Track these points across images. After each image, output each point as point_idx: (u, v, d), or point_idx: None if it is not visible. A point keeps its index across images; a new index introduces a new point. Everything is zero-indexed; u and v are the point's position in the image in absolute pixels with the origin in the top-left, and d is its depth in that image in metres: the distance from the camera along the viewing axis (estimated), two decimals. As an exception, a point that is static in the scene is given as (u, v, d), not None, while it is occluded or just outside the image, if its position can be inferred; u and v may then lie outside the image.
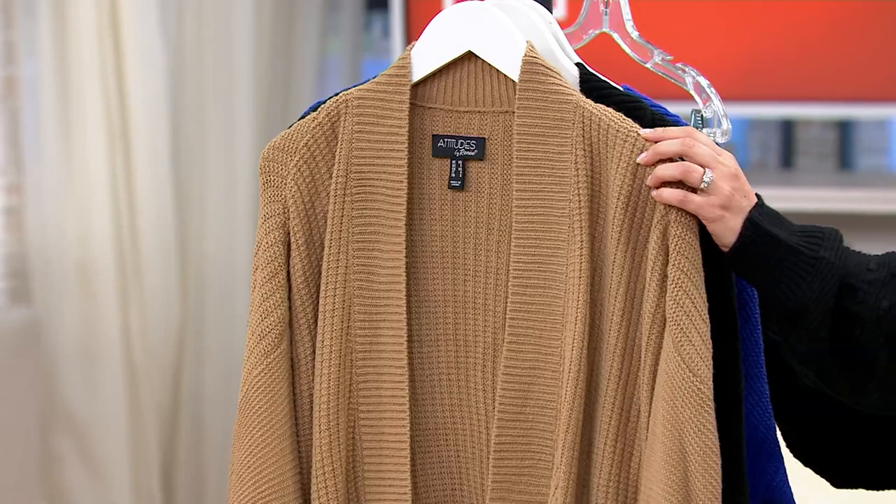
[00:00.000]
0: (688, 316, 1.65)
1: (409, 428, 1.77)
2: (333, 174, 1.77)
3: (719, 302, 1.70)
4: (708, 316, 1.66)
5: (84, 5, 3.97)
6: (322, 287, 1.77)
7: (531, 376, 1.73)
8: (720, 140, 1.81)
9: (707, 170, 1.67)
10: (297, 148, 1.78)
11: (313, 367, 1.77)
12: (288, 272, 1.77)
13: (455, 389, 1.78)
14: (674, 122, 1.76)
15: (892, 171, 5.12)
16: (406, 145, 1.76)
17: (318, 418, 1.76)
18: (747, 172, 1.72)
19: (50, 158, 4.02)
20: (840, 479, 1.87)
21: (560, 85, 1.72)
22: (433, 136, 1.77)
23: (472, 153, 1.76)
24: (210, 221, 4.32)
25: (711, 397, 1.64)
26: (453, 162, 1.77)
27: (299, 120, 1.80)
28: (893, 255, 1.70)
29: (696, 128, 1.80)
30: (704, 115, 1.83)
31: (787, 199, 4.26)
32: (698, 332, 1.64)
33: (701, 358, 1.64)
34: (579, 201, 1.71)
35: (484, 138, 1.76)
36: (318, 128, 1.78)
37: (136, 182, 4.09)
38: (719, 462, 1.64)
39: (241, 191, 4.33)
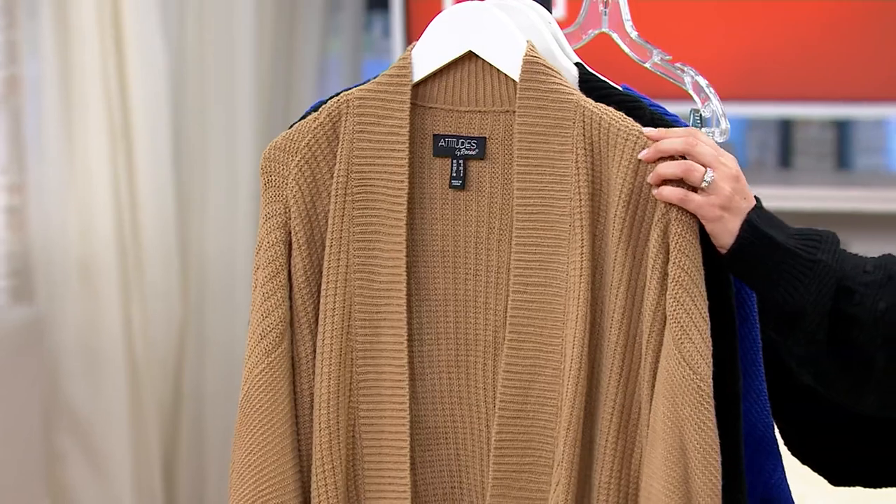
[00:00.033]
0: (688, 314, 1.65)
1: (408, 426, 1.76)
2: (334, 174, 1.77)
3: (717, 300, 1.70)
4: (708, 314, 1.66)
5: (86, 6, 3.97)
6: (323, 286, 1.77)
7: (532, 374, 1.73)
8: (719, 139, 1.81)
9: (708, 169, 1.67)
10: (298, 148, 1.78)
11: (314, 365, 1.77)
12: (289, 272, 1.77)
13: (455, 388, 1.78)
14: (672, 121, 1.76)
15: (890, 170, 5.13)
16: (407, 145, 1.76)
17: (319, 417, 1.76)
18: (746, 171, 1.72)
19: (52, 157, 4.02)
20: (837, 477, 1.87)
21: (561, 84, 1.72)
22: (434, 135, 1.77)
23: (473, 153, 1.76)
24: (211, 220, 4.32)
25: (711, 395, 1.64)
26: (454, 161, 1.77)
27: (300, 120, 1.80)
28: (890, 257, 1.70)
29: (695, 127, 1.80)
30: (703, 114, 1.83)
31: (786, 198, 4.26)
32: (698, 330, 1.65)
33: (701, 356, 1.64)
34: (580, 200, 1.71)
35: (485, 138, 1.76)
36: (319, 128, 1.78)
37: (138, 181, 4.09)
38: (719, 459, 1.64)
39: (242, 190, 4.33)
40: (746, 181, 1.70)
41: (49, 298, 4.05)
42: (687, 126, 1.77)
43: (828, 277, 1.65)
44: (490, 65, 1.75)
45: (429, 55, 1.77)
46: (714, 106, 1.83)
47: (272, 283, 1.76)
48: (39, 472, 3.93)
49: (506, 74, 1.74)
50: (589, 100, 1.72)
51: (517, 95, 1.73)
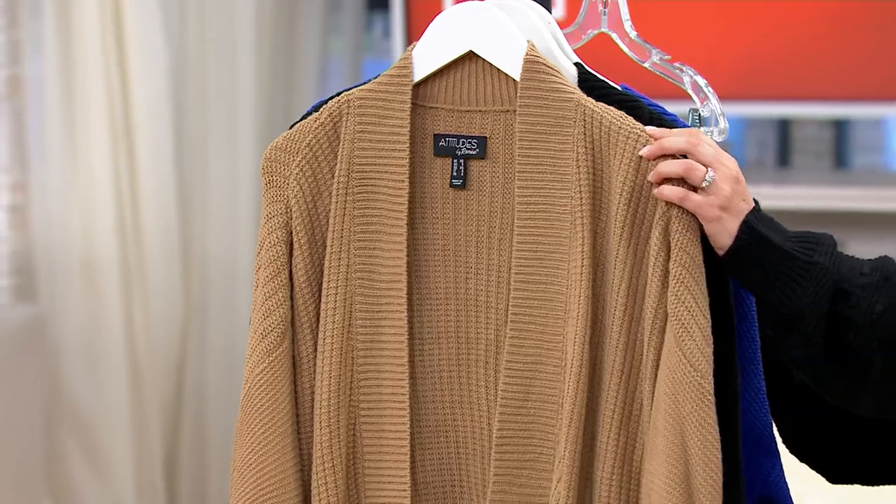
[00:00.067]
0: (689, 311, 1.65)
1: (409, 425, 1.76)
2: (335, 174, 1.77)
3: (716, 299, 1.69)
4: (709, 311, 1.66)
5: (88, 5, 3.97)
6: (324, 286, 1.77)
7: (533, 371, 1.73)
8: (717, 139, 1.81)
9: (709, 169, 1.67)
10: (299, 148, 1.78)
11: (315, 364, 1.77)
12: (290, 271, 1.77)
13: (456, 386, 1.78)
14: (671, 120, 1.76)
15: (888, 169, 5.13)
16: (408, 145, 1.76)
17: (319, 415, 1.76)
18: (744, 171, 1.72)
19: (54, 157, 4.02)
20: (836, 475, 1.87)
21: (561, 83, 1.72)
22: (435, 135, 1.77)
23: (474, 152, 1.76)
24: (213, 219, 4.32)
25: (712, 392, 1.64)
26: (455, 161, 1.76)
27: (301, 120, 1.79)
28: (886, 259, 1.70)
29: (694, 126, 1.80)
30: (702, 113, 1.83)
31: (784, 197, 4.26)
32: (699, 328, 1.65)
33: (701, 353, 1.64)
34: (581, 198, 1.71)
35: (485, 137, 1.76)
36: (320, 128, 1.78)
37: (140, 180, 4.09)
38: (720, 456, 1.64)
39: (244, 188, 4.33)
40: (745, 180, 1.70)
41: (51, 297, 4.05)
42: (686, 125, 1.77)
43: (825, 280, 1.65)
44: (490, 64, 1.75)
45: (429, 55, 1.77)
46: (713, 105, 1.83)
47: (273, 282, 1.76)
48: (41, 470, 3.93)
49: (506, 74, 1.74)
50: (590, 99, 1.72)
51: (518, 94, 1.73)
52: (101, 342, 4.05)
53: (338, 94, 1.79)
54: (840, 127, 4.96)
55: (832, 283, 1.65)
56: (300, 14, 4.60)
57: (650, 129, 1.69)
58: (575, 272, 1.71)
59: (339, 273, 1.77)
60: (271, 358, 1.76)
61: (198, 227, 4.31)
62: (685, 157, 1.68)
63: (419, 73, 1.77)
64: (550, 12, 1.83)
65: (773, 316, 1.68)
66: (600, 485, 1.71)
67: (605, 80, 1.78)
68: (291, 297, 1.77)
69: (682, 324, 1.65)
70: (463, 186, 1.77)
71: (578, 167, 1.71)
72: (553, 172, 1.72)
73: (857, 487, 1.88)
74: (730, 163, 1.69)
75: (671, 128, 1.72)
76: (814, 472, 1.88)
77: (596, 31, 1.90)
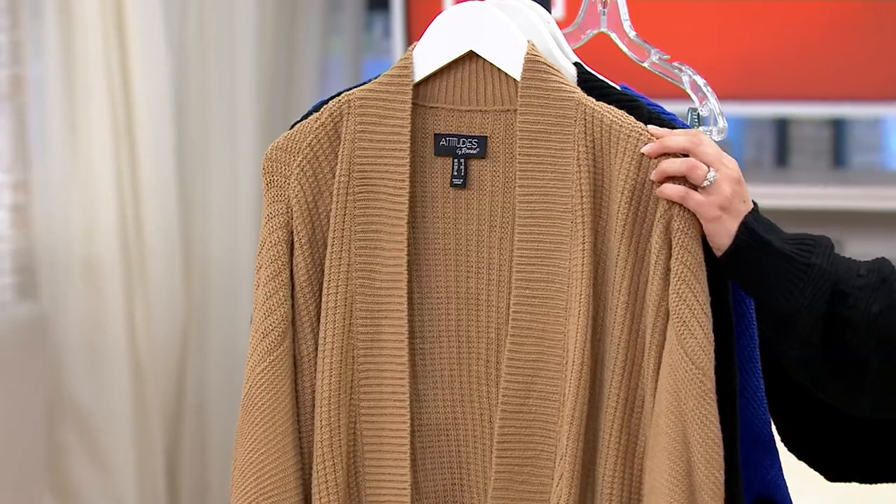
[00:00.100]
0: (690, 309, 1.65)
1: (409, 423, 1.76)
2: (336, 174, 1.77)
3: (715, 298, 1.69)
4: (710, 309, 1.66)
5: (89, 5, 3.97)
6: (325, 285, 1.77)
7: (534, 368, 1.73)
8: (716, 138, 1.81)
9: (711, 169, 1.67)
10: (300, 148, 1.78)
11: (315, 364, 1.77)
12: (291, 271, 1.77)
13: (457, 385, 1.78)
14: (670, 120, 1.76)
15: (885, 168, 5.13)
16: (408, 144, 1.76)
17: (320, 414, 1.76)
18: (743, 170, 1.72)
19: (56, 156, 4.02)
20: (834, 473, 1.87)
21: (562, 83, 1.72)
22: (435, 134, 1.77)
23: (474, 151, 1.76)
24: (214, 217, 4.32)
25: (714, 389, 1.65)
26: (455, 160, 1.76)
27: (301, 120, 1.79)
28: (883, 260, 1.70)
29: (693, 126, 1.80)
30: (701, 113, 1.83)
31: (782, 196, 4.27)
32: (700, 326, 1.65)
33: (703, 350, 1.64)
34: (581, 197, 1.70)
35: (486, 136, 1.76)
36: (320, 128, 1.78)
37: (141, 179, 4.09)
38: (722, 453, 1.64)
39: (245, 187, 4.33)
40: (744, 180, 1.70)
41: (53, 295, 4.05)
42: (685, 125, 1.78)
43: (822, 281, 1.66)
44: (491, 64, 1.75)
45: (430, 55, 1.77)
46: (711, 105, 1.83)
47: (274, 282, 1.76)
48: (43, 467, 3.93)
49: (507, 74, 1.74)
50: (590, 98, 1.72)
51: (519, 94, 1.72)
52: (102, 340, 4.05)
53: (338, 95, 1.79)
54: (838, 126, 4.96)
55: (830, 285, 1.66)
56: (300, 14, 4.60)
57: (651, 127, 1.69)
58: (576, 270, 1.71)
59: (340, 272, 1.77)
60: (272, 357, 1.75)
61: (199, 226, 4.31)
62: (686, 156, 1.68)
63: (420, 73, 1.77)
64: (550, 12, 1.83)
65: (771, 317, 1.69)
66: (602, 482, 1.71)
67: (605, 79, 1.78)
68: (292, 297, 1.77)
69: (684, 322, 1.65)
70: (463, 186, 1.77)
71: (579, 166, 1.71)
72: (554, 171, 1.72)
73: (854, 485, 1.88)
74: (731, 164, 1.69)
75: (671, 127, 1.72)
76: (812, 470, 1.87)
77: (595, 31, 1.90)
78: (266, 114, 4.43)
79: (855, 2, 4.14)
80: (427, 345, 1.78)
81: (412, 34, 4.32)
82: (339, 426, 1.76)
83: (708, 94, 1.83)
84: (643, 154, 1.68)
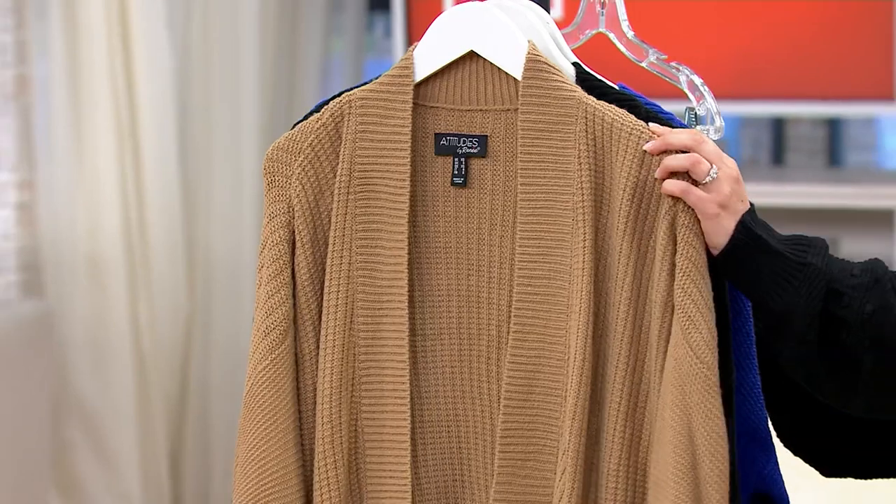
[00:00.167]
0: (695, 304, 1.65)
1: (409, 420, 1.76)
2: (337, 173, 1.77)
3: (713, 295, 1.69)
4: (713, 304, 1.66)
5: (94, 6, 3.97)
6: (326, 284, 1.77)
7: (537, 364, 1.73)
8: (713, 137, 1.81)
9: (714, 165, 1.67)
10: (301, 148, 1.77)
11: (317, 362, 1.77)
12: (292, 270, 1.77)
13: (458, 382, 1.78)
14: (668, 119, 1.76)
15: (880, 167, 5.13)
16: (409, 144, 1.75)
17: (321, 412, 1.76)
18: (740, 169, 1.72)
19: (61, 155, 4.02)
20: (829, 469, 1.87)
21: (563, 82, 1.72)
22: (436, 134, 1.77)
23: (475, 150, 1.76)
24: (216, 216, 4.32)
25: (718, 383, 1.65)
26: (456, 159, 1.76)
27: (302, 120, 1.79)
28: (876, 261, 1.71)
29: (690, 125, 1.80)
30: (698, 112, 1.83)
31: (778, 194, 4.26)
32: (705, 320, 1.65)
33: (707, 345, 1.65)
34: (583, 195, 1.70)
35: (486, 136, 1.75)
36: (321, 128, 1.77)
37: (145, 178, 4.09)
38: (727, 447, 1.65)
39: (247, 187, 4.33)
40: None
41: (58, 293, 4.05)
42: (682, 124, 1.78)
43: (817, 280, 1.66)
44: (491, 64, 1.75)
45: (430, 55, 1.76)
46: (709, 104, 1.83)
47: (276, 281, 1.76)
48: (48, 462, 3.93)
49: (507, 73, 1.74)
50: (591, 97, 1.72)
51: (520, 93, 1.72)
52: (107, 338, 4.05)
53: (339, 95, 1.79)
54: (833, 126, 4.96)
55: (825, 284, 1.66)
56: (302, 15, 4.60)
57: (653, 125, 1.70)
58: (577, 267, 1.71)
59: (341, 271, 1.76)
60: (274, 355, 1.75)
61: (202, 226, 4.31)
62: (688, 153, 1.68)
63: (420, 73, 1.76)
64: (549, 13, 1.83)
65: (767, 315, 1.69)
66: (607, 476, 1.71)
67: (603, 79, 1.78)
68: (294, 295, 1.77)
69: (689, 316, 1.65)
70: (464, 185, 1.76)
71: (580, 164, 1.71)
72: (555, 169, 1.72)
73: (850, 481, 1.88)
74: (731, 163, 1.69)
75: (669, 126, 1.72)
76: (808, 466, 1.87)
77: (594, 32, 1.90)
78: (268, 114, 4.42)
79: (850, 2, 4.14)
80: (428, 342, 1.77)
81: (413, 34, 4.31)
82: (340, 423, 1.76)
83: (705, 94, 1.83)
84: (645, 151, 1.68)
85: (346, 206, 1.76)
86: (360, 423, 1.77)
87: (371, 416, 1.77)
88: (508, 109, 1.74)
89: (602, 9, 1.89)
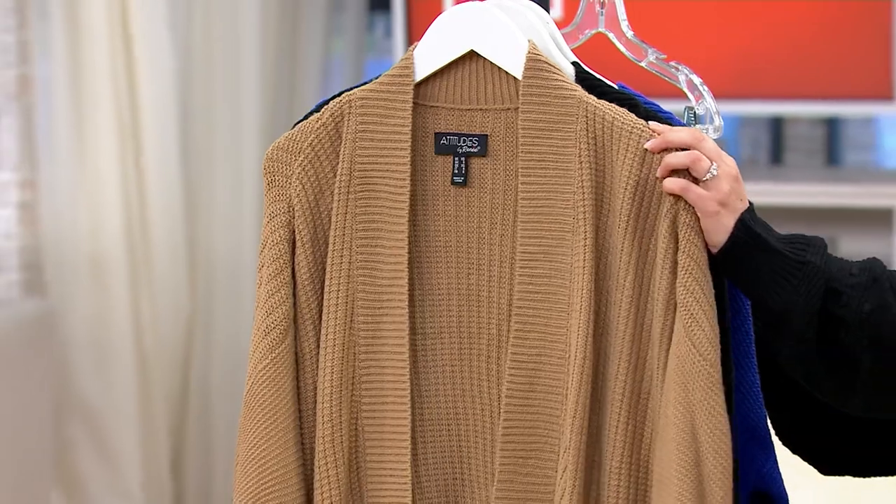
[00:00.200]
0: (697, 301, 1.65)
1: (410, 418, 1.76)
2: (337, 173, 1.76)
3: (712, 293, 1.70)
4: (715, 301, 1.66)
5: (96, 7, 3.97)
6: (326, 283, 1.76)
7: (538, 362, 1.73)
8: (712, 136, 1.81)
9: (714, 163, 1.67)
10: (301, 148, 1.77)
11: (317, 361, 1.77)
12: (293, 269, 1.77)
13: (458, 380, 1.77)
14: (667, 118, 1.76)
15: (878, 166, 5.13)
16: (409, 143, 1.75)
17: (322, 410, 1.76)
18: (739, 168, 1.72)
19: (63, 155, 4.02)
20: (828, 467, 1.86)
21: (563, 81, 1.72)
22: (436, 133, 1.76)
23: (475, 150, 1.75)
24: (218, 216, 4.32)
25: (721, 380, 1.65)
26: (456, 159, 1.76)
27: (302, 120, 1.79)
28: (874, 261, 1.71)
29: (689, 124, 1.80)
30: (697, 112, 1.83)
31: (777, 193, 4.26)
32: (707, 317, 1.65)
33: (710, 342, 1.65)
34: (583, 193, 1.70)
35: (486, 135, 1.75)
36: (322, 128, 1.77)
37: (147, 178, 4.09)
38: (730, 443, 1.65)
39: (248, 187, 4.33)
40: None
41: (60, 292, 4.05)
42: (681, 123, 1.78)
43: (816, 278, 1.66)
44: (492, 63, 1.74)
45: (430, 55, 1.76)
46: (708, 104, 1.83)
47: (276, 280, 1.76)
48: (50, 460, 3.93)
49: (507, 72, 1.74)
50: (591, 96, 1.72)
51: (520, 92, 1.72)
52: (108, 337, 4.05)
53: (339, 94, 1.78)
54: (832, 125, 4.96)
55: (824, 282, 1.66)
56: (303, 15, 4.60)
57: (653, 124, 1.70)
58: (578, 265, 1.70)
59: (342, 270, 1.76)
60: (274, 354, 1.75)
61: (203, 225, 4.31)
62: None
63: (420, 73, 1.76)
64: (548, 12, 1.83)
65: (766, 314, 1.69)
66: (609, 473, 1.71)
67: (603, 78, 1.78)
68: (294, 295, 1.77)
69: (691, 314, 1.65)
70: (464, 184, 1.76)
71: (581, 163, 1.70)
72: (556, 168, 1.72)
73: (849, 479, 1.87)
74: (730, 161, 1.70)
75: (668, 125, 1.72)
76: (807, 464, 1.87)
77: (593, 31, 1.90)
78: (269, 114, 4.42)
79: (849, 2, 4.14)
80: (428, 341, 1.77)
81: (413, 34, 4.31)
82: (340, 422, 1.76)
83: (704, 93, 1.83)
84: (646, 150, 1.68)
85: (347, 206, 1.76)
86: (361, 422, 1.77)
87: (371, 414, 1.76)
88: (508, 109, 1.74)
89: (601, 9, 1.89)
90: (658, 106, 1.77)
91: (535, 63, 1.72)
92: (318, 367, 1.76)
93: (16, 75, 4.00)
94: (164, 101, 4.12)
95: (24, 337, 3.84)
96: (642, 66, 1.88)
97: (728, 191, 1.67)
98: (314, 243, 1.77)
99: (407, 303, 1.75)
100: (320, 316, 1.77)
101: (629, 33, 1.89)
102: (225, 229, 4.32)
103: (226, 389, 4.28)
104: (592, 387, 1.71)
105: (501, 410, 1.74)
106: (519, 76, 1.73)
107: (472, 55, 1.75)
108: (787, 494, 1.81)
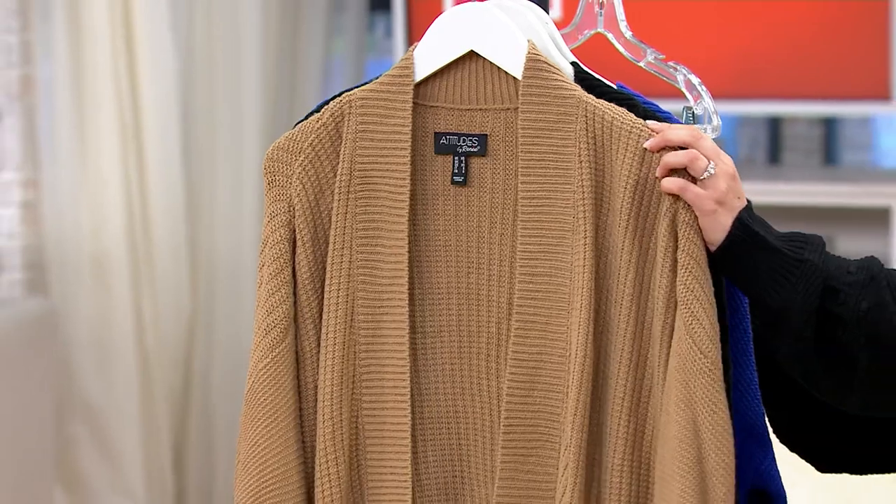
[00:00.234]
0: (697, 299, 1.65)
1: (410, 417, 1.76)
2: (338, 173, 1.76)
3: (709, 292, 1.70)
4: (714, 299, 1.66)
5: (98, 8, 3.97)
6: (327, 282, 1.76)
7: (538, 360, 1.73)
8: (711, 135, 1.81)
9: (711, 162, 1.67)
10: (301, 148, 1.77)
11: (318, 359, 1.77)
12: (293, 268, 1.77)
13: (458, 379, 1.77)
14: (665, 118, 1.76)
15: (875, 166, 5.13)
16: (409, 143, 1.75)
17: (322, 409, 1.75)
18: (736, 167, 1.72)
19: (65, 155, 4.02)
20: (825, 464, 1.86)
21: (563, 81, 1.72)
22: (435, 133, 1.76)
23: (475, 149, 1.75)
24: (219, 216, 4.32)
25: (722, 377, 1.65)
26: (456, 158, 1.76)
27: (303, 120, 1.79)
28: (872, 259, 1.71)
29: (688, 124, 1.80)
30: (695, 111, 1.83)
31: (775, 193, 4.26)
32: (707, 315, 1.65)
33: (710, 340, 1.65)
34: (583, 192, 1.70)
35: (486, 135, 1.75)
36: (322, 128, 1.77)
37: (148, 178, 4.09)
38: (732, 439, 1.65)
39: (249, 186, 4.33)
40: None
41: (62, 291, 4.05)
42: (680, 122, 1.78)
43: (814, 276, 1.66)
44: (491, 63, 1.74)
45: (430, 55, 1.76)
46: (706, 103, 1.83)
47: (276, 279, 1.76)
48: (52, 459, 3.93)
49: (507, 72, 1.74)
50: (591, 96, 1.72)
51: (520, 92, 1.72)
52: (110, 336, 4.05)
53: (339, 95, 1.78)
54: (829, 125, 4.96)
55: (822, 280, 1.66)
56: (304, 16, 4.60)
57: (651, 123, 1.70)
58: (578, 264, 1.70)
59: (342, 269, 1.76)
60: (274, 353, 1.75)
61: (205, 224, 4.31)
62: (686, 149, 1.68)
63: (420, 73, 1.76)
64: (548, 13, 1.83)
65: (764, 312, 1.69)
66: (611, 471, 1.70)
67: (601, 78, 1.78)
68: (295, 294, 1.77)
69: (692, 312, 1.65)
70: (464, 183, 1.76)
71: (581, 162, 1.70)
72: (556, 167, 1.72)
73: (846, 476, 1.87)
74: (727, 160, 1.70)
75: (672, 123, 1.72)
76: (805, 462, 1.87)
77: (592, 32, 1.90)
78: (270, 115, 4.42)
79: (847, 2, 4.14)
80: (428, 340, 1.77)
81: (413, 34, 4.31)
82: (341, 420, 1.76)
83: (702, 93, 1.83)
84: (645, 149, 1.68)
85: (347, 205, 1.76)
86: (361, 420, 1.77)
87: (372, 413, 1.76)
88: (508, 108, 1.74)
89: (600, 9, 1.89)
90: (657, 106, 1.77)
91: (535, 63, 1.72)
92: (318, 365, 1.76)
93: (19, 76, 4.00)
94: (165, 102, 4.12)
95: (26, 336, 3.84)
96: (641, 66, 1.88)
97: (725, 189, 1.67)
98: (314, 243, 1.77)
99: (407, 301, 1.75)
100: (321, 315, 1.77)
101: (628, 33, 1.89)
102: (226, 229, 4.32)
103: (227, 388, 4.28)
104: (593, 385, 1.71)
105: (502, 409, 1.74)
106: (519, 76, 1.73)
107: (471, 55, 1.75)
108: (784, 492, 1.81)
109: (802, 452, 1.85)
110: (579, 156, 1.71)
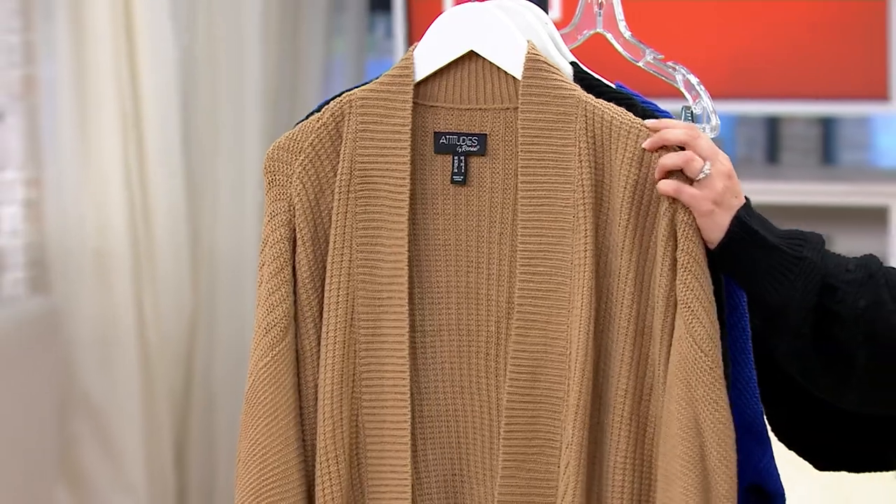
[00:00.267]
0: (697, 298, 1.66)
1: (409, 415, 1.76)
2: (338, 172, 1.76)
3: (708, 290, 1.70)
4: (714, 298, 1.66)
5: (100, 8, 3.97)
6: (327, 281, 1.76)
7: (539, 359, 1.73)
8: (709, 135, 1.81)
9: (707, 162, 1.67)
10: (301, 148, 1.77)
11: (318, 358, 1.77)
12: (293, 268, 1.77)
13: (458, 377, 1.77)
14: (664, 118, 1.76)
15: (873, 165, 5.12)
16: (409, 143, 1.75)
17: (322, 408, 1.75)
18: (735, 167, 1.72)
19: (67, 154, 4.02)
20: (823, 462, 1.86)
21: (562, 81, 1.72)
22: (435, 133, 1.76)
23: (474, 149, 1.75)
24: (220, 214, 4.32)
25: (722, 375, 1.66)
26: (455, 158, 1.76)
27: (303, 120, 1.79)
28: (871, 257, 1.71)
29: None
30: (694, 111, 1.83)
31: (773, 192, 4.26)
32: (707, 314, 1.66)
33: (711, 338, 1.65)
34: (583, 192, 1.70)
35: (485, 134, 1.75)
36: (322, 128, 1.77)
37: (150, 176, 4.09)
38: (734, 436, 1.66)
39: (250, 185, 4.33)
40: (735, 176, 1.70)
41: (65, 289, 4.05)
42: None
43: (813, 274, 1.66)
44: (491, 63, 1.74)
45: (430, 55, 1.76)
46: (704, 103, 1.83)
47: (277, 278, 1.76)
48: (55, 456, 3.93)
49: (507, 72, 1.74)
50: (590, 96, 1.72)
51: (520, 92, 1.72)
52: (113, 333, 4.05)
53: (339, 95, 1.78)
54: (827, 125, 4.95)
55: (820, 278, 1.66)
56: (304, 16, 4.60)
57: (649, 122, 1.70)
58: (578, 263, 1.70)
59: (342, 268, 1.76)
60: (275, 352, 1.75)
61: (206, 222, 4.31)
62: (683, 149, 1.68)
63: (420, 73, 1.76)
64: (547, 13, 1.83)
65: (763, 309, 1.69)
66: (613, 469, 1.70)
67: (601, 78, 1.78)
68: (295, 293, 1.77)
69: (692, 311, 1.65)
70: (464, 183, 1.76)
71: (580, 162, 1.70)
72: (555, 167, 1.72)
73: (844, 474, 1.87)
74: (724, 159, 1.69)
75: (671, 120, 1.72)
76: (803, 459, 1.87)
77: (591, 32, 1.90)
78: (271, 113, 4.42)
79: (845, 2, 4.14)
80: (428, 338, 1.77)
81: (413, 35, 4.31)
82: (341, 419, 1.76)
83: (701, 93, 1.83)
84: (644, 149, 1.68)
85: (347, 205, 1.76)
86: (361, 419, 1.77)
87: (371, 411, 1.76)
88: (508, 108, 1.74)
89: (599, 9, 1.89)
90: (655, 105, 1.77)
91: (535, 63, 1.72)
92: (318, 364, 1.76)
93: (21, 76, 4.00)
94: (167, 101, 4.12)
95: (29, 334, 3.84)
96: (640, 66, 1.88)
97: (722, 189, 1.67)
98: (315, 242, 1.77)
99: (407, 300, 1.75)
100: (321, 314, 1.77)
101: (627, 34, 1.89)
102: (227, 227, 4.32)
103: (228, 386, 4.28)
104: (594, 383, 1.71)
105: (503, 407, 1.74)
106: (518, 76, 1.73)
107: (471, 55, 1.75)
108: (783, 489, 1.81)
109: (800, 450, 1.85)
110: (579, 155, 1.71)
